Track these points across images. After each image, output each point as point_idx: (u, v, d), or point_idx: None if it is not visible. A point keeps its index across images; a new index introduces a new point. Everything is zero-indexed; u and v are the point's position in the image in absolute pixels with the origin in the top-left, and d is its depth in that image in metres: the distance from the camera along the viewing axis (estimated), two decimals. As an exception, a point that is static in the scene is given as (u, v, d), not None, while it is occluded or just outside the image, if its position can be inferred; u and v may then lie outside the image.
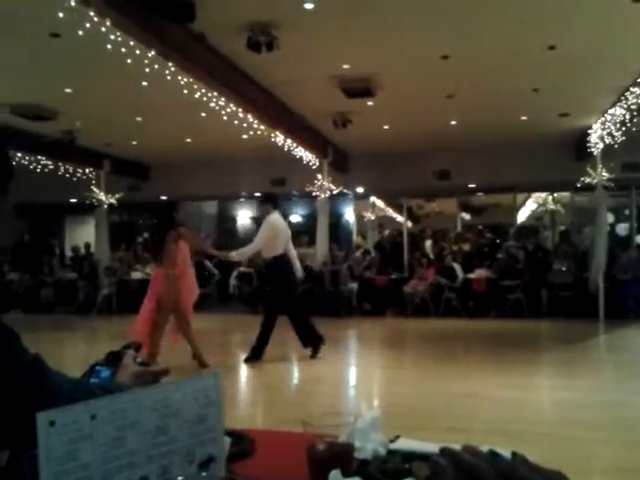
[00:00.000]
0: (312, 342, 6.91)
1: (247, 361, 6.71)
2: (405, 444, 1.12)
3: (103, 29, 5.73)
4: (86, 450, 0.82)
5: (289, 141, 10.71)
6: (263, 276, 7.03)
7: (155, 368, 1.25)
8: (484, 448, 1.05)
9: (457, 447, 0.66)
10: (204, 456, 0.92)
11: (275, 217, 6.85)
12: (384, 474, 0.91)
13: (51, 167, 12.48)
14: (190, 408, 0.92)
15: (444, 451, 0.67)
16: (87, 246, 14.94)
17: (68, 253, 15.71)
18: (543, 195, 15.71)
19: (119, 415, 0.85)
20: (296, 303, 6.96)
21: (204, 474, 0.91)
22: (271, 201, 6.97)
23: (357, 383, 6.55)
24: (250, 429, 1.25)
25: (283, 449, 1.13)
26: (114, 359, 1.26)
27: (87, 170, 13.24)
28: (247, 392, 6.16)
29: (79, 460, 0.81)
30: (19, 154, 11.56)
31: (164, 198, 15.78)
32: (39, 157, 11.96)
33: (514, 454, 1.10)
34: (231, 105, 8.38)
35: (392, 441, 1.14)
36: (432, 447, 1.07)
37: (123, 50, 6.20)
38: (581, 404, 4.94)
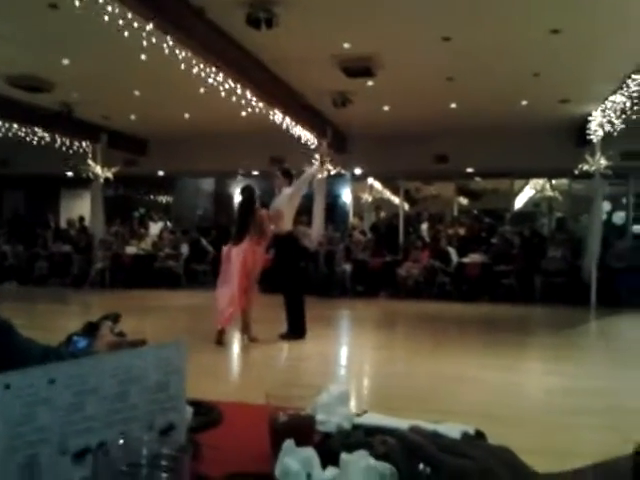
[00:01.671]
0: (294, 327, 6.93)
1: (285, 337, 6.80)
2: (371, 419, 1.12)
3: (101, 0, 5.65)
4: (43, 414, 0.81)
5: (288, 119, 10.64)
6: (277, 252, 7.14)
7: (131, 338, 1.25)
8: (456, 428, 1.06)
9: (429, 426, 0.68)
10: (164, 423, 0.92)
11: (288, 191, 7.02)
12: (345, 447, 0.90)
13: (47, 139, 12.39)
14: (152, 375, 0.91)
15: (393, 432, 0.70)
16: (81, 219, 14.91)
17: (63, 226, 15.67)
18: (541, 182, 15.69)
19: (78, 380, 0.85)
20: (297, 282, 7.02)
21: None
22: (290, 177, 7.09)
23: (347, 363, 6.58)
24: (220, 401, 1.25)
25: (250, 420, 1.13)
26: (91, 329, 1.26)
27: (84, 143, 13.16)
28: (236, 367, 6.20)
29: (35, 423, 0.81)
30: (15, 125, 11.48)
31: (161, 173, 15.75)
32: (35, 129, 11.88)
33: (477, 433, 1.10)
34: (229, 81, 8.30)
35: (359, 415, 1.14)
36: (397, 422, 1.07)
37: (121, 22, 6.12)
38: (569, 389, 4.98)
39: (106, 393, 0.87)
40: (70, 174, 14.59)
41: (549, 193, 15.49)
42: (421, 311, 10.38)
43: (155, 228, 14.71)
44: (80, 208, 15.89)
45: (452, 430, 0.96)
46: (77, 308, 10.46)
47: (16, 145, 12.80)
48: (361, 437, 1.01)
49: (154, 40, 6.58)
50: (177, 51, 6.98)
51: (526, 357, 6.65)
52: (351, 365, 6.42)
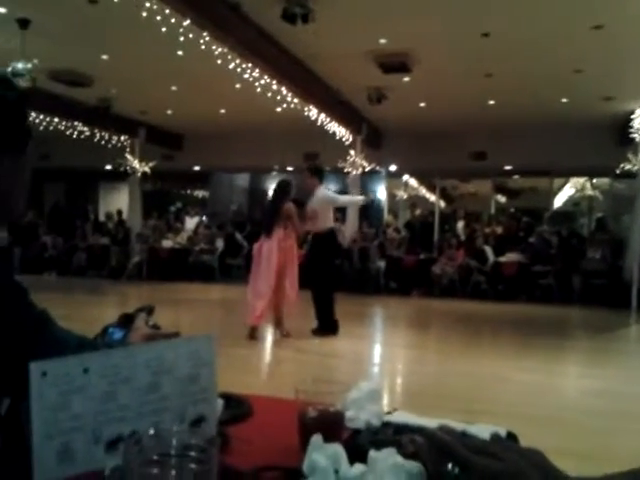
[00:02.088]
0: (325, 324, 6.93)
1: (316, 333, 6.82)
2: (401, 417, 1.11)
3: (139, -4, 5.75)
4: (78, 402, 0.83)
5: (323, 115, 10.64)
6: (312, 249, 7.13)
7: (165, 331, 1.26)
8: (487, 429, 1.04)
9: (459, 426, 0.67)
10: (195, 415, 0.93)
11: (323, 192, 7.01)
12: (373, 445, 0.90)
13: (87, 133, 12.66)
14: (183, 368, 0.92)
15: (422, 431, 0.69)
16: (119, 213, 15.19)
17: (101, 219, 16.00)
18: (581, 180, 15.36)
19: (112, 370, 0.86)
20: (329, 279, 7.02)
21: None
22: (319, 174, 6.95)
23: (379, 361, 6.56)
24: (250, 394, 1.26)
25: (279, 415, 1.14)
26: (127, 321, 1.28)
27: (122, 138, 13.41)
28: (267, 362, 6.23)
29: (70, 411, 0.83)
30: (56, 119, 11.75)
31: (197, 168, 15.93)
32: (75, 123, 12.14)
33: (509, 435, 1.09)
34: (265, 77, 8.35)
35: (389, 413, 1.13)
36: (427, 422, 1.06)
37: (158, 18, 6.20)
38: (606, 393, 4.86)
39: (139, 384, 0.88)
40: (109, 168, 14.88)
41: (589, 192, 15.16)
42: (455, 310, 10.28)
43: (191, 223, 14.89)
44: (118, 201, 16.18)
45: (483, 431, 0.95)
46: (114, 299, 10.66)
47: (56, 139, 13.11)
48: (390, 435, 1.00)
49: (191, 36, 6.66)
50: (213, 47, 7.05)
51: (563, 360, 6.52)
52: (383, 363, 6.39)
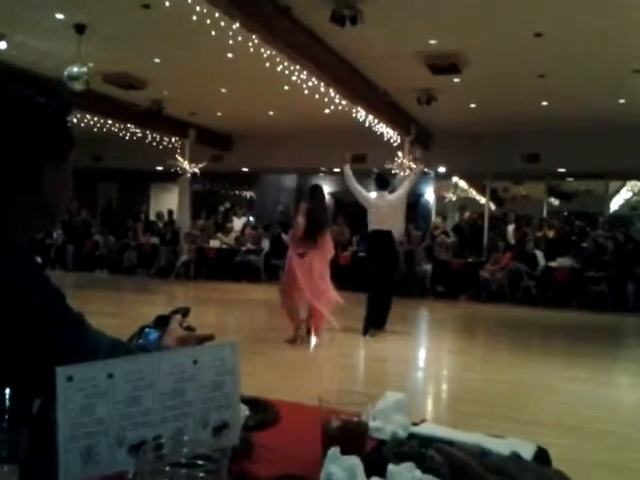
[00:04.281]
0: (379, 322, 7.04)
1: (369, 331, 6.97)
2: (428, 429, 1.09)
3: (189, 0, 5.83)
4: (102, 406, 0.85)
5: (371, 117, 10.59)
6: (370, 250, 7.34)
7: (199, 333, 1.28)
8: (517, 445, 1.01)
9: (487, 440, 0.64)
10: (218, 422, 0.94)
11: (385, 195, 7.29)
12: (398, 457, 0.88)
13: (139, 135, 12.97)
14: (206, 375, 0.93)
15: (439, 449, 0.68)
16: (170, 213, 15.50)
17: (152, 218, 16.36)
18: (639, 184, 14.83)
19: (136, 375, 0.88)
20: (380, 282, 7.14)
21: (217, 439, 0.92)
22: (385, 185, 7.42)
23: (423, 365, 6.48)
24: (279, 400, 1.26)
25: (306, 422, 1.13)
26: (162, 322, 1.30)
27: (173, 139, 13.68)
28: (309, 365, 6.22)
29: (95, 415, 0.85)
30: (110, 121, 12.08)
31: (245, 169, 16.11)
32: (128, 125, 12.45)
33: (540, 451, 1.05)
34: (313, 79, 8.37)
35: (415, 424, 1.11)
36: (454, 434, 1.04)
37: (208, 21, 6.29)
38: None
39: (162, 389, 0.90)
40: (160, 168, 15.21)
41: (647, 196, 14.61)
42: (503, 315, 10.07)
43: (238, 223, 15.07)
44: (169, 202, 16.51)
45: (513, 446, 0.93)
46: (162, 298, 10.88)
47: (110, 141, 13.48)
48: (415, 447, 0.98)
49: (240, 39, 6.73)
50: (262, 49, 7.10)
51: (614, 370, 6.30)
52: (427, 368, 6.31)
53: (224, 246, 13.72)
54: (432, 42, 7.89)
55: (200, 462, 0.62)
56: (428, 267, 11.92)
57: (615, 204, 15.80)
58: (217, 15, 6.22)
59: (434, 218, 15.17)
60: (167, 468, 0.61)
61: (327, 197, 7.09)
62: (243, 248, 13.39)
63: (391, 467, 0.77)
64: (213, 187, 18.23)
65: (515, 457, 0.66)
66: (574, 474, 0.90)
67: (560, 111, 10.95)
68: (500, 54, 8.22)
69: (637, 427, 4.10)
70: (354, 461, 0.78)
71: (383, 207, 7.18)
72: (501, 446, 0.91)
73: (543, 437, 3.50)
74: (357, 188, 7.18)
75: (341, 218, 13.34)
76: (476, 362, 6.45)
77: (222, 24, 6.38)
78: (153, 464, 0.61)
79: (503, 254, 11.69)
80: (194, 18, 6.24)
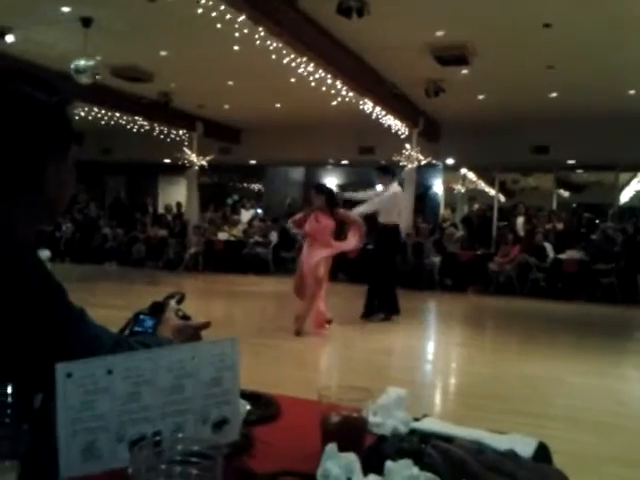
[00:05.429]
0: (388, 310, 7.22)
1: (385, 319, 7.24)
2: (429, 424, 1.09)
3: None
4: (102, 402, 0.86)
5: (378, 109, 10.55)
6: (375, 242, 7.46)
7: (195, 322, 1.26)
8: (519, 441, 1.00)
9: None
10: (218, 417, 0.94)
11: (396, 189, 7.45)
12: (398, 452, 0.88)
13: (147, 128, 12.99)
14: (206, 371, 0.93)
15: (436, 446, 0.68)
16: (178, 205, 15.54)
17: (160, 211, 16.40)
18: (650, 175, 14.70)
19: (135, 372, 0.88)
20: (386, 275, 7.29)
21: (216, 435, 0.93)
22: (390, 173, 7.58)
23: (430, 358, 6.48)
24: (281, 395, 1.26)
25: (307, 417, 1.13)
26: (157, 309, 1.27)
27: (181, 132, 13.69)
28: (314, 357, 6.22)
29: (95, 411, 0.85)
30: (117, 114, 12.10)
31: (253, 162, 16.11)
32: (136, 118, 12.47)
33: (540, 447, 1.05)
34: (320, 71, 8.34)
35: (417, 420, 1.11)
36: (455, 429, 1.04)
37: (214, 14, 6.28)
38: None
39: (162, 385, 0.90)
40: (168, 161, 15.23)
41: (658, 187, 14.49)
42: (511, 308, 10.05)
43: (246, 215, 15.09)
44: (177, 194, 16.55)
45: (514, 442, 0.92)
46: (171, 290, 10.83)
47: (118, 133, 13.50)
48: (415, 443, 0.98)
49: (246, 31, 6.71)
50: (268, 42, 7.08)
51: (623, 363, 6.26)
52: (435, 360, 6.31)
53: (232, 238, 13.74)
54: (440, 33, 7.84)
55: (194, 459, 0.62)
56: (437, 259, 11.89)
57: (625, 196, 15.67)
58: (223, 7, 6.21)
59: (443, 210, 15.13)
60: (163, 466, 0.61)
61: (335, 189, 7.15)
62: (251, 240, 13.41)
63: (389, 464, 0.77)
64: (221, 180, 18.24)
65: (512, 454, 0.66)
66: (583, 468, 0.89)
67: (569, 102, 10.87)
68: (508, 45, 8.16)
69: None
70: (351, 458, 0.78)
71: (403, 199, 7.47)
72: (502, 442, 0.90)
73: (552, 431, 3.51)
74: (374, 201, 7.25)
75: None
76: (484, 355, 6.44)
77: (228, 16, 6.37)
78: (148, 461, 0.61)
79: (512, 246, 11.64)
80: (200, 11, 6.23)
